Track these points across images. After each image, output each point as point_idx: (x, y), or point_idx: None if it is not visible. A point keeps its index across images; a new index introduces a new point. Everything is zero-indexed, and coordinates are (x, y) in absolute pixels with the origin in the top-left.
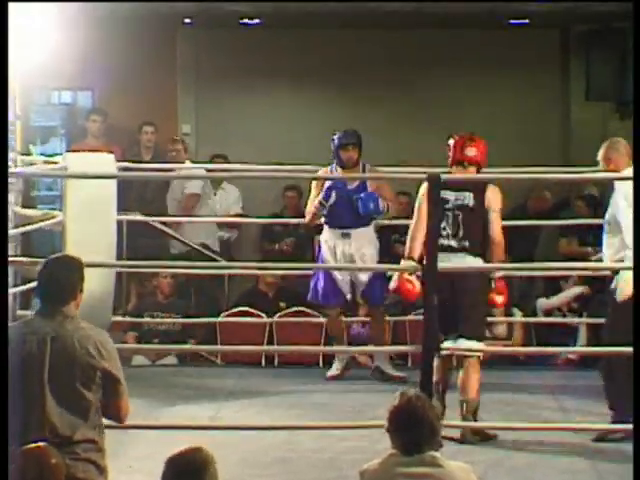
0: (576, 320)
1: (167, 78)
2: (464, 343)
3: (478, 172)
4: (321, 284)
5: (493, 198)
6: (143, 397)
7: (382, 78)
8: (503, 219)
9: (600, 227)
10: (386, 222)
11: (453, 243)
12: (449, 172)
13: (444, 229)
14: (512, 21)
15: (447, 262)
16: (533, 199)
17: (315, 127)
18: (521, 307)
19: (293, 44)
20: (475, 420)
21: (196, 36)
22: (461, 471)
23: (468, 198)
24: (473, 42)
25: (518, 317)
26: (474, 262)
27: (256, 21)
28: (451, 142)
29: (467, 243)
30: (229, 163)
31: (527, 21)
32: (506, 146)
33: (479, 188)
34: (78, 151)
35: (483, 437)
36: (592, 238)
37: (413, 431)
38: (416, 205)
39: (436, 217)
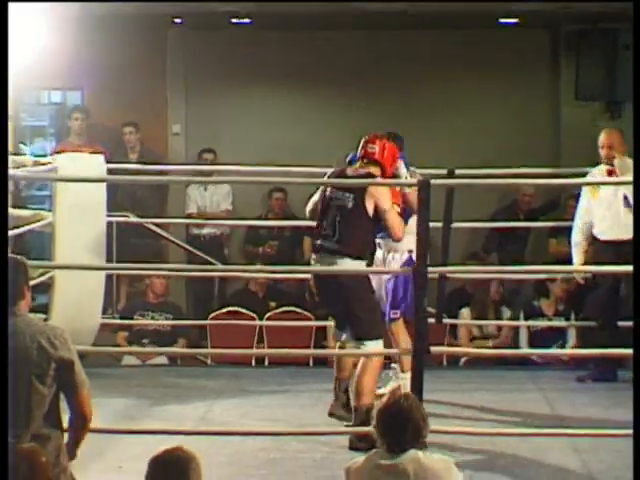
0: (564, 324)
1: (157, 78)
2: (366, 345)
3: (382, 171)
4: None
5: (378, 197)
6: (133, 397)
7: (372, 77)
8: (494, 219)
9: None
10: None
11: (327, 244)
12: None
13: (325, 228)
14: (501, 21)
15: (318, 265)
16: (520, 195)
17: (306, 126)
18: (510, 306)
19: (283, 44)
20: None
21: (186, 36)
22: (442, 462)
23: (348, 199)
24: (462, 42)
25: (507, 315)
26: (348, 265)
27: (246, 21)
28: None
29: (339, 246)
30: (217, 158)
31: (516, 21)
32: (496, 145)
33: (360, 189)
34: (63, 150)
35: (371, 443)
36: None
37: (398, 431)
38: None
39: (425, 221)
